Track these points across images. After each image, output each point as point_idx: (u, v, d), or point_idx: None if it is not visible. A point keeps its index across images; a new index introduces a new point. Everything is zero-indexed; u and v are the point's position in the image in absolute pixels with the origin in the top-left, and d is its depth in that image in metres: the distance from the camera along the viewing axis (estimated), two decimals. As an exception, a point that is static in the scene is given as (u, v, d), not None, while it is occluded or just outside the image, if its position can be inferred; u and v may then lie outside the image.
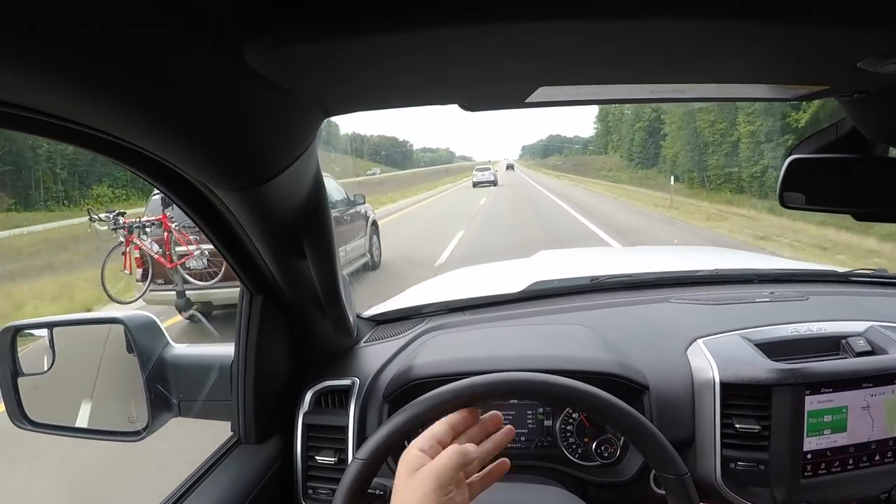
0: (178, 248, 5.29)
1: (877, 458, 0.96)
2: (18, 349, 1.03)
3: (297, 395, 1.07)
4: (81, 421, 1.04)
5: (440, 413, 0.78)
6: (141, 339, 1.00)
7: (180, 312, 5.38)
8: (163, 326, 1.05)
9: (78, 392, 1.05)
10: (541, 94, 0.66)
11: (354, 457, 0.74)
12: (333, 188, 7.43)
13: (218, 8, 0.41)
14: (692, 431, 0.99)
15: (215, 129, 0.55)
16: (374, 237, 7.89)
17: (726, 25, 0.45)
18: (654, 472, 0.97)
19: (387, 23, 0.42)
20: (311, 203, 0.81)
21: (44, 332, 1.05)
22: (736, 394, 0.96)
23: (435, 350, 1.13)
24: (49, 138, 0.53)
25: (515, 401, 1.07)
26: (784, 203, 0.91)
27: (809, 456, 0.93)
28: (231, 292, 4.91)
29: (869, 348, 1.00)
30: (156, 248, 5.30)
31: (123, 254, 5.21)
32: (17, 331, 1.03)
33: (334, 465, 1.01)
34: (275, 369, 1.02)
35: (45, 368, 1.05)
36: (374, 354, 1.16)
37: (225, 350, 1.03)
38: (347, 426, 1.03)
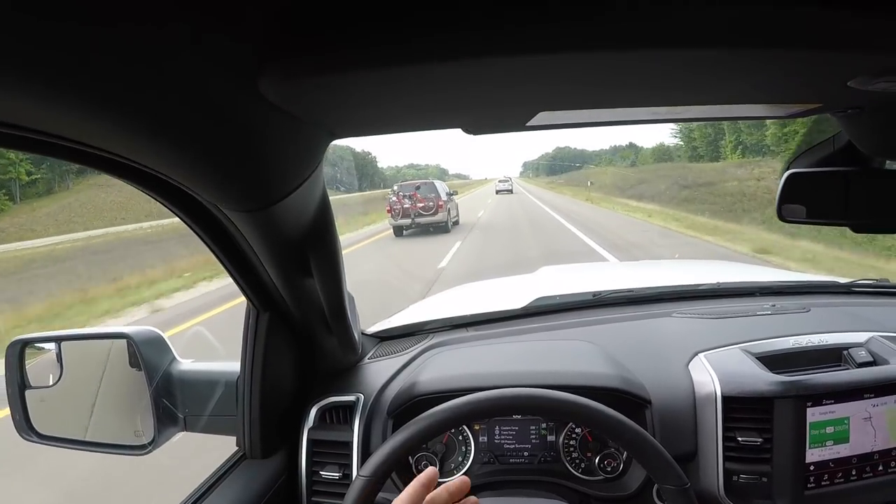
0: (418, 205, 13.61)
1: (880, 468, 0.96)
2: (26, 362, 1.05)
3: (302, 411, 1.08)
4: (88, 434, 1.04)
5: (443, 429, 0.79)
6: (147, 353, 1.01)
7: (400, 231, 13.87)
8: (169, 341, 1.05)
9: (85, 405, 1.05)
10: (541, 118, 0.67)
11: (358, 474, 0.75)
12: (441, 187, 14.85)
13: (235, 40, 0.42)
14: (694, 445, 0.99)
15: (228, 153, 0.56)
16: (455, 212, 15.65)
17: (721, 53, 0.46)
18: (656, 485, 0.97)
19: (394, 56, 0.44)
20: (318, 223, 0.82)
21: (51, 345, 1.06)
22: (738, 407, 0.96)
23: (439, 366, 1.14)
24: (67, 161, 0.54)
25: (518, 416, 1.07)
26: (783, 217, 0.92)
27: (812, 468, 0.94)
28: (430, 219, 13.82)
29: (870, 359, 1.00)
30: (407, 203, 13.63)
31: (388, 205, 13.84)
32: (24, 344, 1.04)
33: (339, 481, 1.02)
34: (280, 385, 1.03)
35: (53, 382, 1.06)
36: (379, 371, 1.17)
37: (230, 366, 1.04)
38: (352, 442, 1.03)
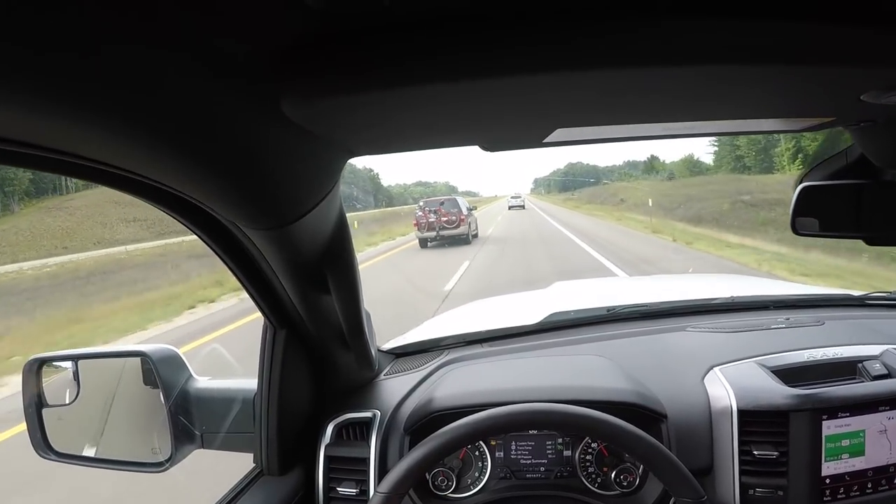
0: (442, 219, 14.75)
1: (895, 481, 0.96)
2: (44, 381, 1.05)
3: (319, 428, 1.08)
4: (105, 451, 1.05)
5: (460, 444, 0.80)
6: (164, 371, 1.01)
7: (425, 243, 15.11)
8: (185, 359, 1.06)
9: (101, 423, 1.06)
10: (557, 134, 0.68)
11: (376, 490, 0.75)
12: (462, 203, 15.96)
13: (257, 61, 0.43)
14: (710, 459, 0.99)
15: (248, 172, 0.57)
16: (475, 226, 16.72)
17: (733, 70, 0.47)
18: (673, 500, 0.97)
19: (414, 75, 0.45)
20: (335, 240, 0.83)
21: (69, 364, 1.07)
22: (753, 420, 0.96)
23: (454, 382, 1.14)
24: (85, 180, 0.55)
25: (535, 431, 1.07)
26: (796, 230, 0.92)
27: (828, 481, 0.93)
28: (453, 232, 14.99)
29: (885, 371, 1.00)
30: (432, 217, 14.74)
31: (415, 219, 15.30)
32: (42, 363, 1.05)
33: (356, 497, 1.02)
34: (297, 402, 1.04)
35: (70, 400, 1.07)
36: (395, 387, 1.17)
37: (247, 383, 1.04)
38: (369, 458, 1.03)
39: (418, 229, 15.31)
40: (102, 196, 26.61)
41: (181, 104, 0.43)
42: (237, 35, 0.40)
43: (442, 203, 15.40)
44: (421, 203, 16.09)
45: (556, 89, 0.50)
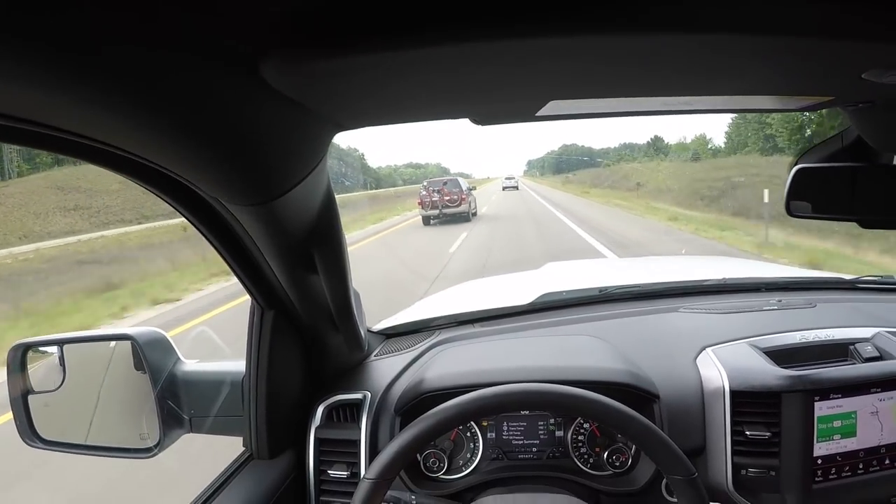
0: (445, 198, 15.87)
1: (887, 462, 0.96)
2: (29, 367, 1.03)
3: (309, 410, 1.07)
4: (92, 438, 1.03)
5: (450, 426, 0.79)
6: (151, 355, 1.00)
7: (428, 220, 16.20)
8: (173, 342, 1.05)
9: (89, 409, 1.05)
10: (551, 107, 0.67)
11: (364, 476, 0.74)
12: (463, 183, 17.27)
13: (235, 26, 0.41)
14: (703, 439, 0.99)
15: (231, 144, 0.55)
16: (474, 204, 17.67)
17: (735, 40, 0.46)
18: (665, 479, 0.98)
19: (400, 40, 0.43)
20: (322, 217, 0.81)
21: (54, 349, 1.05)
22: (746, 401, 0.96)
23: (445, 363, 1.14)
24: (63, 154, 0.54)
25: (526, 412, 1.07)
26: (791, 212, 0.92)
27: (820, 461, 0.94)
28: (454, 210, 16.22)
29: (877, 354, 1.00)
30: (435, 196, 15.90)
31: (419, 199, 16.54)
32: (27, 348, 1.03)
33: (347, 479, 1.01)
34: (286, 384, 1.02)
35: (56, 386, 1.05)
36: (385, 368, 1.17)
37: (236, 366, 1.03)
38: (359, 440, 1.03)
39: (422, 208, 16.45)
40: (45, 182, 23.83)
41: (158, 74, 0.41)
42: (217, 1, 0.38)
43: (445, 183, 16.56)
44: (425, 183, 17.19)
45: (550, 56, 0.48)
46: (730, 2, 0.42)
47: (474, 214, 17.18)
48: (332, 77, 0.49)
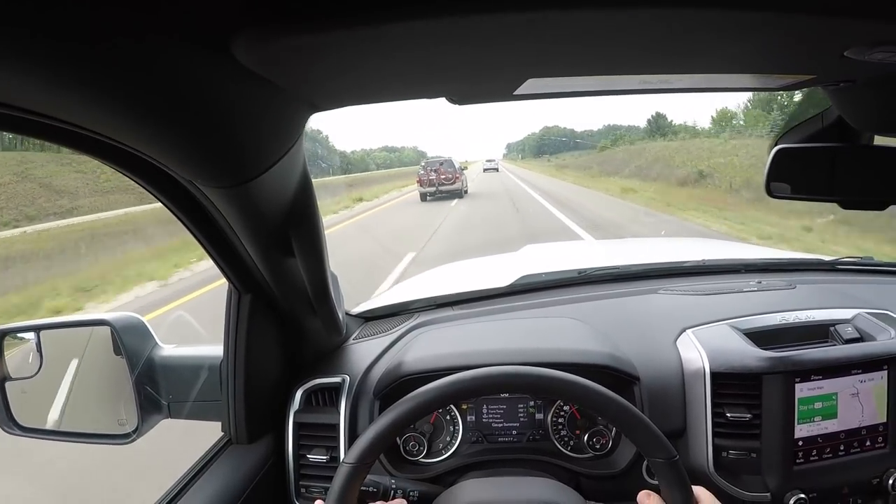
0: (441, 177, 18.61)
1: (867, 443, 0.97)
2: (5, 353, 1.02)
3: (288, 394, 1.07)
4: (71, 424, 1.03)
5: (430, 410, 0.78)
6: (128, 340, 0.99)
7: (425, 197, 18.85)
8: (150, 327, 1.03)
9: (66, 395, 1.04)
10: (529, 86, 0.66)
11: (343, 461, 0.74)
12: (457, 163, 19.98)
13: (204, 2, 0.40)
14: (683, 421, 0.99)
15: (203, 125, 0.54)
16: (466, 183, 20.19)
17: (715, 15, 0.45)
18: (646, 462, 0.97)
19: (374, 15, 0.42)
20: (298, 200, 0.80)
21: (31, 335, 1.04)
22: (726, 383, 0.96)
23: (424, 346, 1.13)
24: (30, 137, 0.52)
25: (506, 395, 1.07)
26: (771, 193, 0.92)
27: (801, 443, 0.94)
28: (450, 187, 19.05)
29: (857, 335, 1.01)
30: (433, 175, 18.59)
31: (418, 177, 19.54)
32: (3, 334, 1.02)
33: (326, 464, 1.01)
34: (264, 368, 1.02)
35: (33, 372, 1.04)
36: (364, 351, 1.16)
37: (214, 350, 1.02)
38: (338, 424, 1.02)
39: (420, 185, 19.21)
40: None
41: (126, 54, 0.40)
42: None
43: (441, 163, 19.21)
44: (423, 163, 20.37)
45: (526, 32, 0.47)
46: None
47: (466, 192, 19.78)
48: (305, 54, 0.48)
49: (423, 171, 19.38)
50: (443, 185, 18.86)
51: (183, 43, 0.42)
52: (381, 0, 0.41)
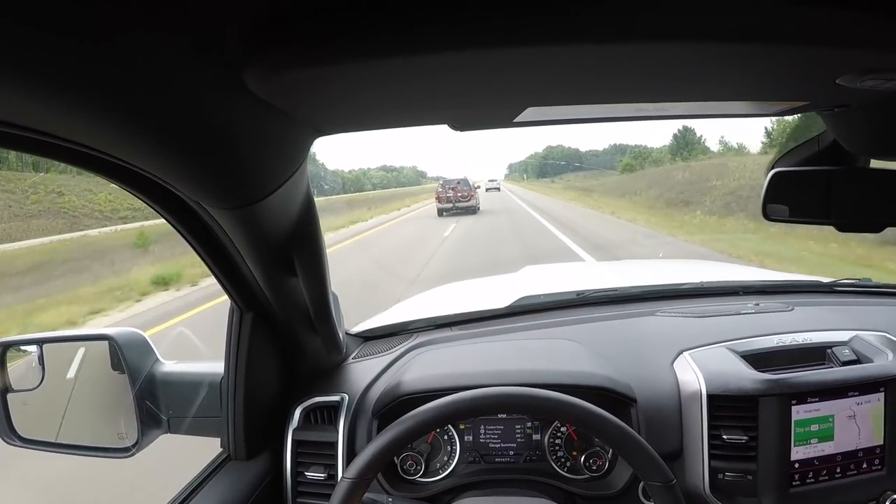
0: (458, 194, 20.46)
1: (864, 465, 0.96)
2: (8, 365, 1.03)
3: (287, 412, 1.07)
4: (71, 437, 1.03)
5: (428, 429, 0.79)
6: (130, 355, 1.00)
7: (442, 212, 20.38)
8: (152, 343, 1.04)
9: (67, 408, 1.04)
10: (529, 114, 0.67)
11: (343, 476, 0.74)
12: (471, 182, 22.06)
13: (219, 32, 0.42)
14: (680, 443, 0.99)
15: (212, 148, 0.56)
16: (479, 200, 21.70)
17: (710, 47, 0.46)
18: (642, 484, 0.97)
19: (380, 49, 0.44)
20: (302, 221, 0.81)
21: (34, 348, 1.05)
22: (723, 405, 0.96)
23: (423, 366, 1.14)
24: (42, 156, 0.54)
25: (503, 415, 1.07)
26: (767, 216, 0.92)
27: (797, 465, 0.94)
28: (465, 204, 20.89)
29: (854, 357, 1.00)
30: (450, 193, 20.60)
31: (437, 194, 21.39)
32: (6, 347, 1.03)
33: (324, 481, 1.01)
34: (264, 386, 1.02)
35: (35, 385, 1.05)
36: (363, 370, 1.16)
37: (214, 367, 1.03)
38: (337, 442, 1.03)
39: (438, 202, 21.00)
40: None
41: (142, 79, 0.41)
42: (199, 6, 0.38)
43: (458, 182, 21.19)
44: (441, 182, 22.54)
45: (527, 65, 0.49)
46: (703, 10, 0.42)
47: (478, 208, 21.37)
48: (313, 84, 0.50)
49: (441, 189, 21.51)
50: (459, 202, 20.70)
51: (197, 71, 0.44)
52: (388, 35, 0.43)
